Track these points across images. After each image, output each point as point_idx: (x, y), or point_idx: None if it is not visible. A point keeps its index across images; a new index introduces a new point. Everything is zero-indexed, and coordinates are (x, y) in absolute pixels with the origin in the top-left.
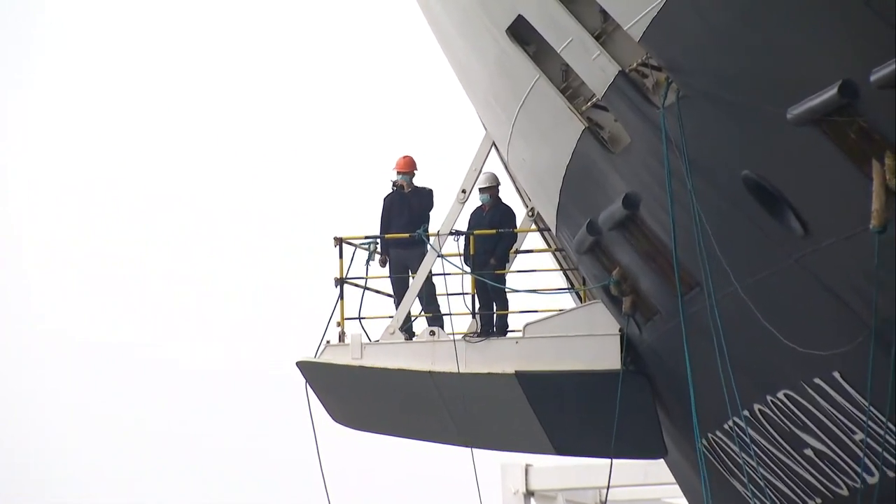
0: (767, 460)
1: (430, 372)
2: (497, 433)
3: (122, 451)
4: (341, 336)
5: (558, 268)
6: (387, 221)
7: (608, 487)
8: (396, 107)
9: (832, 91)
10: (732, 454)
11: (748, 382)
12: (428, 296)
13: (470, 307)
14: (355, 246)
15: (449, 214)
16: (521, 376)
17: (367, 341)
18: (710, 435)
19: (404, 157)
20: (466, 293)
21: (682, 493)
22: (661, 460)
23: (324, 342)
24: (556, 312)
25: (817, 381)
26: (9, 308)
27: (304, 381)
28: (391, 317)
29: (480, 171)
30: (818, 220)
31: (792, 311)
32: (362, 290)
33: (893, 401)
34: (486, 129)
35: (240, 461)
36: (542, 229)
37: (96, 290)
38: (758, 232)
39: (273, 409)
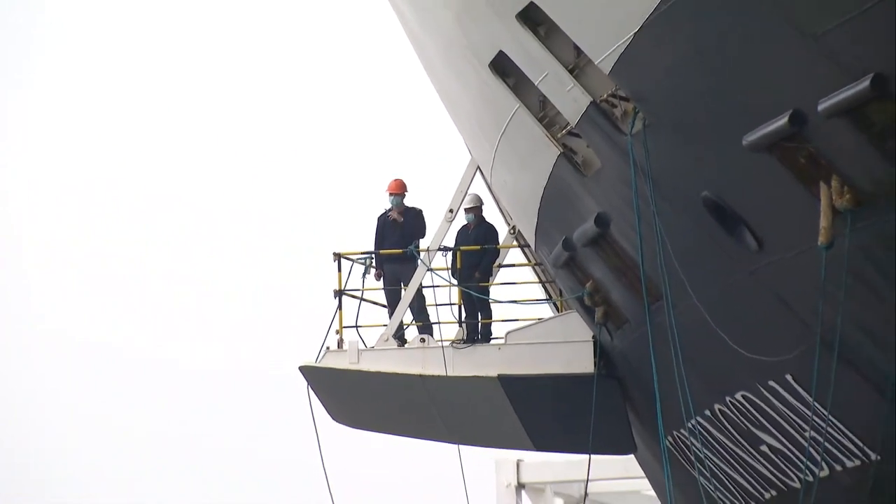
0: (727, 456)
1: (420, 375)
2: (482, 431)
3: (121, 450)
4: (340, 343)
5: (537, 281)
6: (381, 238)
7: (587, 481)
8: (395, 119)
9: (783, 120)
10: (695, 450)
11: (709, 385)
12: (418, 306)
13: (457, 316)
14: (352, 261)
15: (437, 232)
16: (503, 379)
17: (364, 347)
18: (674, 433)
19: (395, 180)
20: (453, 304)
21: None
22: (634, 457)
23: (324, 348)
24: (535, 321)
25: (771, 383)
26: (9, 308)
27: (305, 383)
28: (385, 325)
29: (466, 193)
30: (771, 236)
31: (747, 320)
32: (359, 300)
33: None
34: (471, 154)
35: (239, 461)
36: (523, 245)
37: (96, 291)
38: (716, 248)
39: (271, 410)
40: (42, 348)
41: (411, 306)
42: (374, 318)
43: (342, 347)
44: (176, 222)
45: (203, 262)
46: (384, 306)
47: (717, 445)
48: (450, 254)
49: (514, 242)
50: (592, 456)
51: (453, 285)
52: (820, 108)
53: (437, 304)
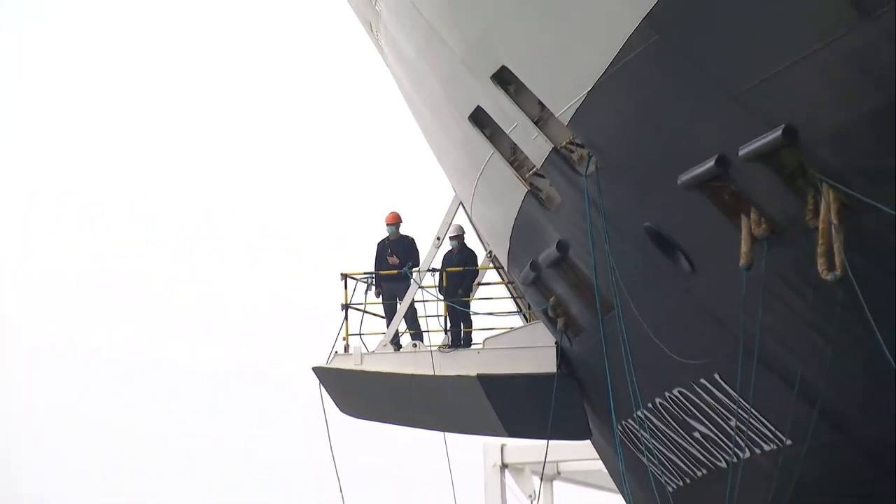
0: (666, 441)
1: (412, 375)
2: (463, 420)
3: (120, 450)
4: (346, 348)
5: (510, 296)
6: (379, 261)
7: (545, 462)
8: (393, 148)
9: (710, 163)
10: (640, 436)
11: (651, 382)
12: (411, 318)
13: (443, 326)
14: (356, 280)
15: (427, 256)
16: (481, 378)
17: (366, 352)
18: (623, 422)
19: (391, 212)
20: (440, 315)
21: None
22: (590, 442)
23: (333, 352)
24: (507, 330)
25: (702, 380)
26: (10, 309)
27: (318, 382)
28: (384, 333)
29: (450, 224)
30: (702, 260)
31: (682, 329)
32: (362, 313)
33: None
34: (454, 190)
35: (240, 459)
36: (498, 267)
37: (97, 292)
38: (657, 270)
39: (272, 409)
40: (44, 350)
41: (405, 317)
42: (375, 328)
43: (348, 352)
44: (176, 226)
45: (202, 265)
46: (383, 317)
47: (658, 432)
48: (437, 274)
49: (491, 264)
50: (563, 441)
51: (440, 300)
52: (741, 153)
53: (426, 316)
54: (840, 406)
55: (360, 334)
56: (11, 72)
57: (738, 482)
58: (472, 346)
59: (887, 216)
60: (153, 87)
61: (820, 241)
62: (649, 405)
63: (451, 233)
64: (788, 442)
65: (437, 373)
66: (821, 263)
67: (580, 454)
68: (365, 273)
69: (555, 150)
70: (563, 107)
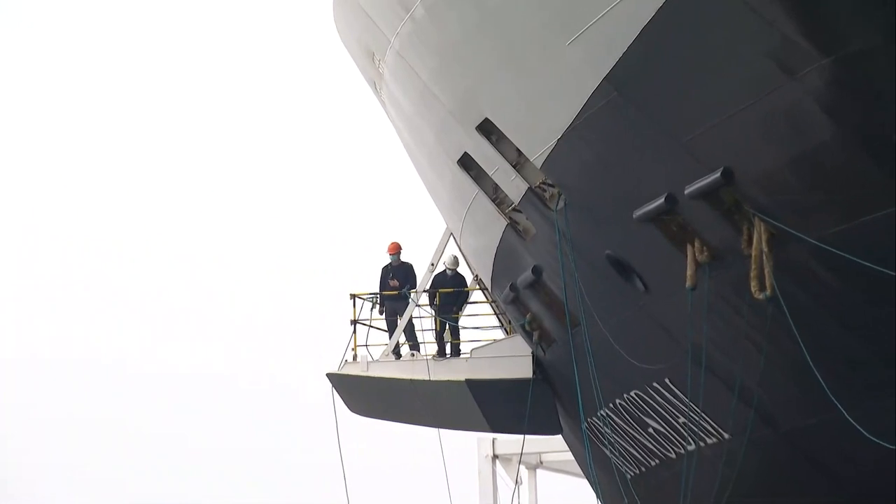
0: (625, 435)
1: (411, 380)
2: (454, 418)
3: (122, 452)
4: (354, 356)
5: (493, 313)
6: (383, 284)
7: (521, 453)
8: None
9: (660, 200)
10: (603, 431)
11: (612, 386)
12: (409, 331)
13: (436, 339)
14: (363, 299)
15: (423, 279)
16: (469, 382)
17: (371, 360)
18: (589, 419)
19: (393, 243)
20: (434, 329)
21: None
22: (561, 436)
23: (343, 360)
24: (491, 342)
25: (655, 384)
26: (16, 312)
27: (330, 386)
28: (386, 344)
29: (443, 252)
30: (654, 282)
31: (638, 340)
32: (367, 327)
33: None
34: (446, 223)
35: (241, 459)
36: (483, 288)
37: (98, 293)
38: (616, 290)
39: (279, 411)
40: (64, 359)
41: (405, 331)
42: (378, 340)
43: (356, 360)
44: (182, 230)
45: (204, 268)
46: (385, 331)
47: (618, 428)
48: (429, 294)
49: (477, 286)
50: (539, 436)
51: (434, 316)
52: (686, 192)
53: (422, 330)
54: (770, 405)
55: (366, 345)
56: (10, 73)
57: (687, 470)
58: (462, 356)
59: (809, 244)
60: (159, 91)
61: (753, 266)
62: (611, 405)
63: (450, 264)
64: (728, 436)
65: (432, 378)
66: (754, 285)
67: (559, 447)
68: (370, 294)
69: (530, 189)
70: (537, 153)
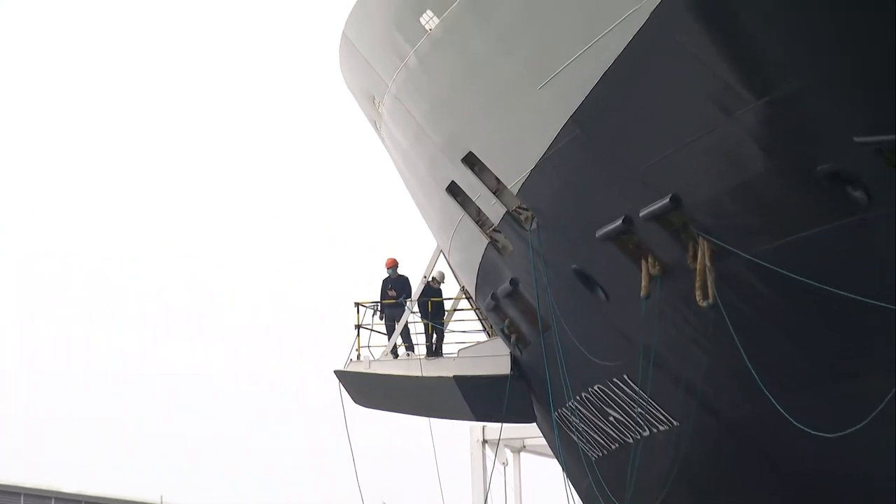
0: (589, 423)
1: (406, 376)
2: (443, 409)
3: (121, 451)
4: (358, 356)
5: (477, 318)
6: (383, 294)
7: (499, 439)
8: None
9: (619, 222)
10: (571, 420)
11: (578, 380)
12: (405, 335)
13: (427, 341)
14: (366, 307)
15: (416, 290)
16: (456, 378)
17: (372, 359)
18: (558, 410)
19: (390, 258)
20: (426, 333)
21: None
22: (535, 424)
23: (349, 359)
24: (475, 343)
25: (615, 379)
26: (16, 312)
27: (338, 382)
28: (385, 346)
29: (433, 267)
30: (614, 292)
31: (599, 342)
32: (369, 331)
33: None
34: (436, 241)
35: (241, 456)
36: (469, 297)
37: (98, 294)
38: (581, 299)
39: (271, 409)
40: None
41: (401, 335)
42: (379, 342)
43: (360, 359)
44: (190, 237)
45: (207, 271)
46: (384, 334)
47: (583, 417)
48: (421, 303)
49: (464, 296)
50: (518, 424)
51: (425, 322)
52: (640, 215)
53: (416, 333)
54: (713, 397)
55: (368, 346)
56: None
57: (642, 453)
58: (449, 355)
59: (745, 260)
60: (163, 93)
61: (697, 278)
62: (577, 397)
63: (440, 277)
64: (677, 423)
65: (424, 374)
66: (698, 294)
67: (539, 433)
68: (372, 302)
69: (508, 212)
70: (514, 181)
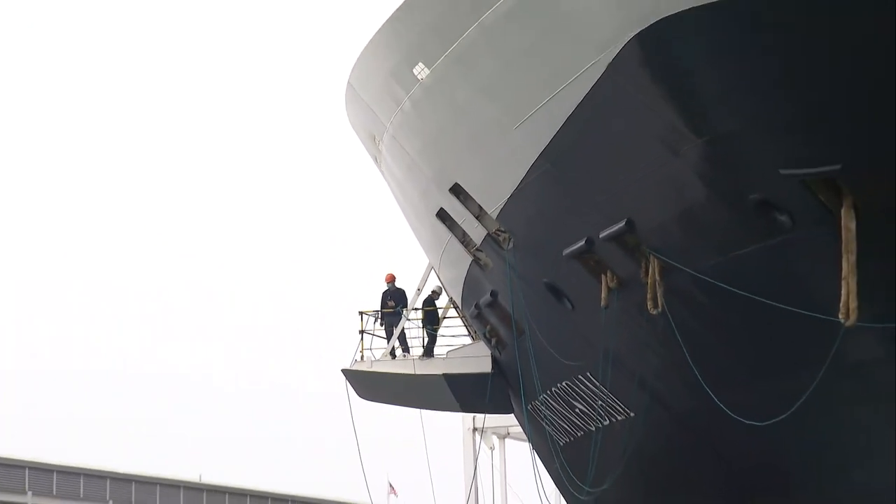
0: (558, 414)
1: (403, 374)
2: (434, 402)
3: (122, 450)
4: (362, 357)
5: (463, 324)
6: (383, 304)
7: (482, 428)
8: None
9: (582, 242)
10: (542, 411)
11: (548, 377)
12: (402, 339)
13: (422, 343)
14: (368, 315)
15: (412, 300)
16: (445, 375)
17: (374, 359)
18: (531, 403)
19: (389, 273)
20: (420, 337)
21: None
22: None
23: (353, 360)
24: (461, 346)
25: (579, 376)
26: (16, 312)
27: (345, 379)
28: (384, 348)
29: (425, 281)
30: (579, 302)
31: (566, 344)
32: (371, 336)
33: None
34: (428, 259)
35: (242, 454)
36: (456, 307)
37: (99, 294)
38: (551, 308)
39: (271, 407)
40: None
41: (399, 339)
42: (379, 345)
43: (363, 360)
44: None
45: (209, 275)
46: (383, 338)
47: (553, 408)
48: (418, 312)
49: (452, 305)
50: (498, 414)
51: (420, 327)
52: (600, 236)
53: (412, 338)
54: (662, 392)
55: (371, 349)
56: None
57: (603, 439)
58: (439, 356)
59: (689, 274)
60: (166, 95)
61: (649, 290)
62: (547, 392)
63: (438, 292)
64: (632, 414)
65: (418, 372)
66: (649, 304)
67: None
68: (374, 311)
69: (488, 234)
70: (493, 208)
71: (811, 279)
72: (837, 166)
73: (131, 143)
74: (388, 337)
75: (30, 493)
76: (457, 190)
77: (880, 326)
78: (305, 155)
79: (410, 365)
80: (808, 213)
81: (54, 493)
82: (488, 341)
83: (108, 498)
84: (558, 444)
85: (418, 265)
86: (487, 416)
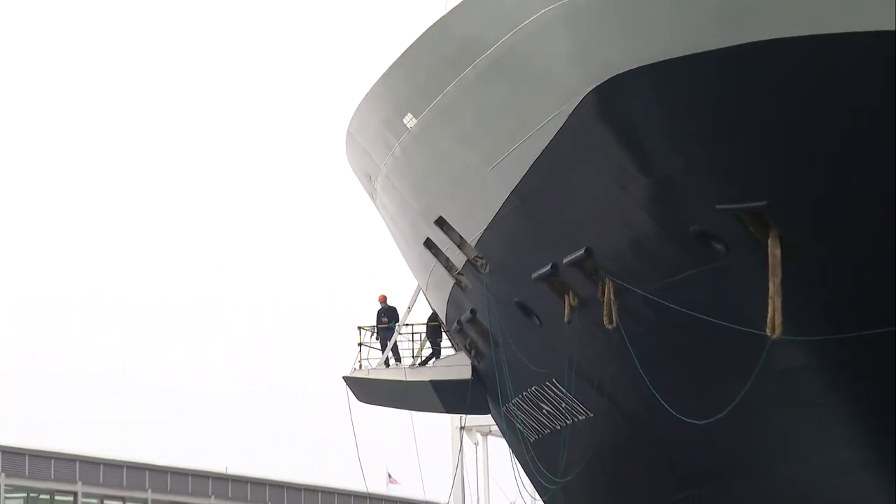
0: (528, 414)
1: (395, 380)
2: (422, 405)
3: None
4: (360, 366)
5: (447, 338)
6: (378, 320)
7: (463, 426)
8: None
9: (548, 267)
10: (515, 412)
11: (520, 383)
12: (395, 350)
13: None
14: (366, 330)
15: (402, 316)
16: (432, 382)
17: (371, 368)
18: (506, 405)
19: (381, 295)
20: (411, 349)
21: None
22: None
23: (353, 368)
24: (446, 356)
25: (546, 382)
26: (16, 312)
27: (345, 385)
28: (379, 358)
29: (415, 301)
30: (545, 318)
31: (536, 355)
32: (368, 347)
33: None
34: (417, 281)
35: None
36: (441, 323)
37: (100, 295)
38: (521, 324)
39: (272, 408)
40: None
41: (392, 350)
42: (375, 355)
43: (361, 368)
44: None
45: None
46: (378, 349)
47: (524, 409)
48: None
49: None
50: (478, 415)
51: (410, 340)
52: (563, 262)
53: (403, 349)
54: (617, 395)
55: (367, 359)
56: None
57: (568, 436)
58: (427, 365)
59: (639, 295)
60: (165, 96)
61: (605, 308)
62: (519, 395)
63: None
64: (592, 415)
65: (408, 379)
66: (605, 320)
67: None
68: (370, 326)
69: (468, 261)
70: (472, 238)
71: (742, 299)
72: (764, 202)
73: (134, 144)
74: (383, 348)
75: (80, 482)
76: (441, 222)
77: (801, 339)
78: (312, 185)
79: (402, 373)
80: (739, 242)
81: (101, 482)
82: (468, 352)
83: (147, 486)
84: (529, 440)
85: (408, 286)
86: (470, 416)
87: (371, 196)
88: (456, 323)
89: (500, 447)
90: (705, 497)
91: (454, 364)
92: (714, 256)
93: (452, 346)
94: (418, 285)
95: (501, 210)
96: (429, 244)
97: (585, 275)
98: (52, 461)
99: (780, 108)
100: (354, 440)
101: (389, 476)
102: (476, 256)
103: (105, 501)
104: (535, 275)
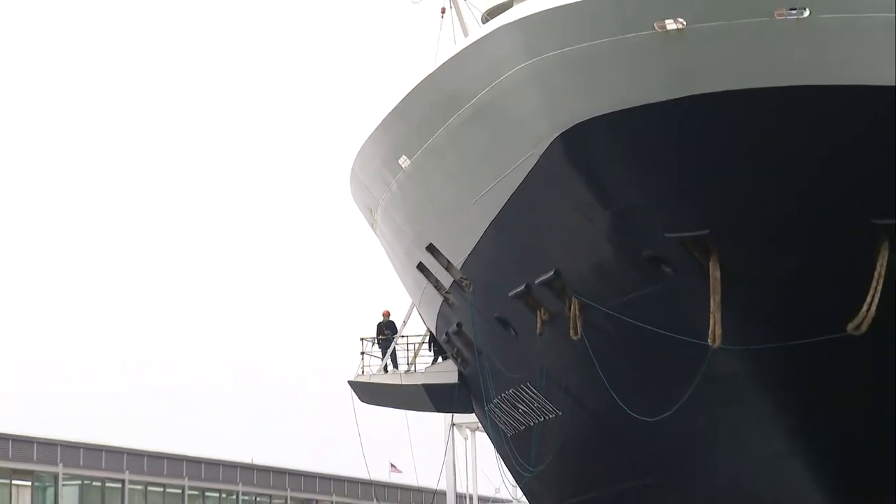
0: (506, 413)
1: (393, 384)
2: (416, 405)
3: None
4: (363, 372)
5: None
6: (378, 332)
7: (451, 424)
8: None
9: (522, 287)
10: (495, 411)
11: (500, 385)
12: (393, 358)
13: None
14: (368, 341)
15: (400, 328)
16: (424, 385)
17: (372, 373)
18: (488, 405)
19: (385, 310)
20: (407, 357)
21: None
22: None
23: (356, 374)
24: (438, 363)
25: (521, 385)
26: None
27: (350, 388)
28: (379, 365)
29: (409, 316)
30: (522, 330)
31: (512, 362)
32: (370, 355)
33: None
34: (411, 299)
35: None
36: (432, 335)
37: (100, 296)
38: (500, 335)
39: (272, 409)
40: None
41: (390, 358)
42: (376, 362)
43: (364, 373)
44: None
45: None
46: (379, 357)
47: (504, 409)
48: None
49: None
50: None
51: (406, 350)
52: (535, 282)
53: (398, 358)
54: (582, 396)
55: (369, 365)
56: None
57: (540, 431)
58: (419, 371)
59: (601, 311)
60: (164, 95)
61: (571, 321)
62: (499, 397)
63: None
64: (560, 413)
65: (404, 383)
66: (572, 332)
67: None
68: (371, 337)
69: (455, 281)
70: (458, 261)
71: (688, 313)
72: (706, 231)
73: (138, 146)
74: (383, 356)
75: (127, 471)
76: (431, 248)
77: (737, 348)
78: (314, 198)
79: (398, 377)
80: (685, 265)
81: (145, 471)
82: (455, 360)
83: (184, 475)
84: (507, 435)
85: (402, 302)
86: (458, 415)
87: (372, 226)
88: (444, 335)
89: (486, 441)
90: (657, 484)
91: (443, 370)
92: (664, 278)
93: (442, 353)
94: (412, 302)
95: (483, 238)
96: (421, 267)
97: (555, 293)
98: (104, 453)
99: (716, 151)
100: (359, 436)
101: (393, 466)
102: (461, 277)
103: (149, 488)
104: (511, 293)
